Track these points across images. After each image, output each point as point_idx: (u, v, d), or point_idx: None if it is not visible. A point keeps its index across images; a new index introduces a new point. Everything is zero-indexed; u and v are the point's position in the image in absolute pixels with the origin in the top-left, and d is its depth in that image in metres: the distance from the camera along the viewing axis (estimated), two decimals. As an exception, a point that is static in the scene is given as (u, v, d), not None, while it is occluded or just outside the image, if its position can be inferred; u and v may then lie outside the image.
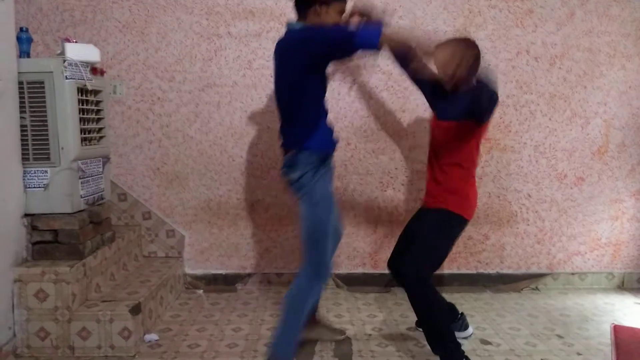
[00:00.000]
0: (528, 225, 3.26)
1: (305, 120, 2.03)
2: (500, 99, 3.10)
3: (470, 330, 2.51)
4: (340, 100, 3.13)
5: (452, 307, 2.51)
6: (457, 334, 2.39)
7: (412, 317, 2.76)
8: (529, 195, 3.24)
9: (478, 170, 3.16)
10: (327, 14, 1.99)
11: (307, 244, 2.07)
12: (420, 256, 2.14)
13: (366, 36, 1.84)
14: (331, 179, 2.16)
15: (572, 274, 3.30)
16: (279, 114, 2.14)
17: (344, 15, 2.06)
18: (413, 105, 3.15)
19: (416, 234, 2.23)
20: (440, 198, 2.21)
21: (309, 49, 1.91)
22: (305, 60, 1.93)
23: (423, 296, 2.12)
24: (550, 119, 3.19)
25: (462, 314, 2.52)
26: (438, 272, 3.20)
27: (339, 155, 3.16)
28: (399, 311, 2.88)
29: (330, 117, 3.06)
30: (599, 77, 3.17)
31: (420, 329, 2.55)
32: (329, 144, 2.11)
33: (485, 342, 2.48)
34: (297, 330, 2.08)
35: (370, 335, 2.56)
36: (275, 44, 2.12)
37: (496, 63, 3.12)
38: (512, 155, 3.20)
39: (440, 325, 2.12)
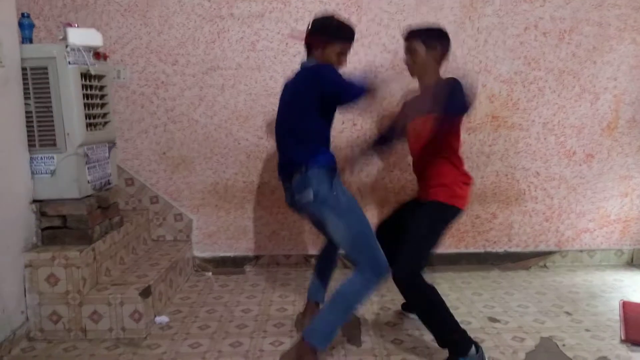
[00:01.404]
0: (536, 203, 3.24)
1: (313, 139, 2.05)
2: (508, 75, 3.09)
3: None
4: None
5: None
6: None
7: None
8: (538, 173, 3.22)
9: (485, 149, 3.17)
10: (325, 56, 2.09)
11: (357, 251, 2.01)
12: (414, 257, 2.08)
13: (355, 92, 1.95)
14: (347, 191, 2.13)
15: (581, 251, 3.29)
16: (281, 142, 2.17)
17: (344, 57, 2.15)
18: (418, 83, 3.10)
19: (409, 231, 2.14)
20: (432, 191, 2.17)
21: (322, 86, 1.99)
22: (318, 93, 2.00)
23: (421, 294, 2.05)
24: (559, 96, 3.14)
25: None
26: (445, 251, 3.24)
27: (345, 136, 3.15)
28: (407, 291, 2.89)
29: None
30: (609, 51, 3.11)
31: (407, 313, 2.55)
32: (330, 157, 2.10)
33: (493, 319, 2.48)
34: (338, 324, 2.03)
35: (378, 314, 2.58)
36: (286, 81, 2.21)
37: (504, 39, 3.07)
38: (520, 133, 3.17)
39: (443, 319, 2.05)
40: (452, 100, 1.95)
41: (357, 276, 1.98)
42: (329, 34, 2.08)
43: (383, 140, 2.49)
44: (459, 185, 2.16)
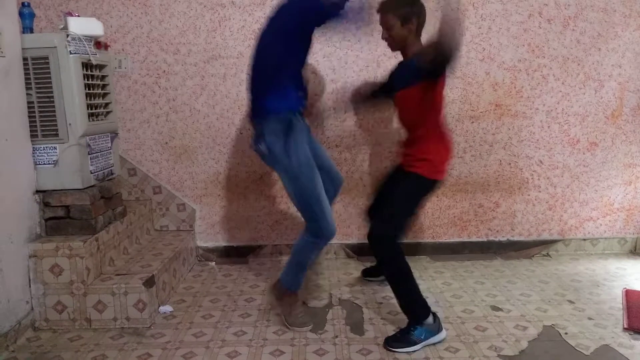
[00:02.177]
0: (539, 192, 3.23)
1: (271, 86, 1.98)
2: (511, 63, 3.06)
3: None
4: (348, 69, 3.08)
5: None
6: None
7: (422, 286, 2.78)
8: (541, 162, 3.20)
9: (488, 138, 3.15)
10: None
11: (301, 211, 2.18)
12: (390, 220, 2.17)
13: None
14: (306, 137, 2.12)
15: (584, 239, 3.28)
16: (250, 79, 2.14)
17: None
18: (422, 73, 3.09)
19: (388, 196, 2.31)
20: (412, 163, 2.21)
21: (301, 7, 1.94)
22: (296, 19, 1.94)
23: (391, 258, 2.15)
24: (563, 83, 3.12)
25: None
26: (448, 240, 3.24)
27: (348, 125, 3.14)
28: (410, 279, 2.89)
29: (338, 86, 3.07)
30: (614, 38, 3.08)
31: (368, 278, 2.86)
32: (294, 102, 2.05)
33: (496, 308, 2.49)
34: (302, 272, 2.30)
35: (381, 303, 2.58)
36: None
37: (507, 26, 3.04)
38: (523, 121, 3.15)
39: (407, 288, 2.16)
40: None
41: (302, 237, 2.23)
42: None
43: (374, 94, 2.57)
44: (441, 161, 2.21)
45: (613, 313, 2.41)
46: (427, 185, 2.22)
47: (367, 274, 2.88)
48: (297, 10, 1.98)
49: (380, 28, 2.23)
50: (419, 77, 2.05)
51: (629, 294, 2.58)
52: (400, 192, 2.21)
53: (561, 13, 3.05)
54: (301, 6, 1.98)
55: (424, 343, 2.11)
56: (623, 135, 3.18)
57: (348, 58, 3.07)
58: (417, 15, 2.13)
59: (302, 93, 2.14)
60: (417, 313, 2.16)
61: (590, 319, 2.36)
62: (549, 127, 3.16)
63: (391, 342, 2.13)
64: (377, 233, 2.16)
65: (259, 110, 2.04)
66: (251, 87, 2.14)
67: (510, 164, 3.19)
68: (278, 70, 1.99)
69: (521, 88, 3.12)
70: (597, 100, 3.14)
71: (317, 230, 2.17)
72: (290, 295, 2.34)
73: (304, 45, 2.10)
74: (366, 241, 3.22)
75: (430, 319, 2.14)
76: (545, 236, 3.28)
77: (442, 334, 2.17)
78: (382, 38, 2.22)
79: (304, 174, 2.05)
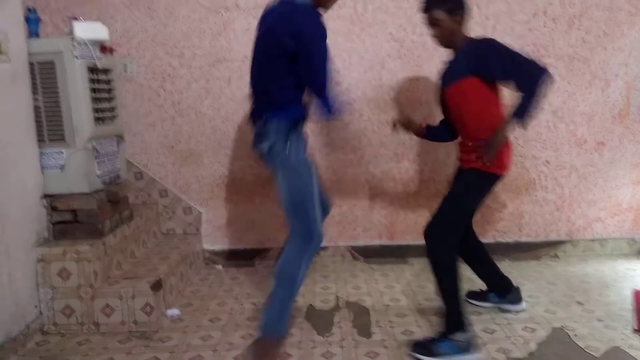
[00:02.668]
0: (547, 192, 3.21)
1: (279, 92, 1.96)
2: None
3: (523, 304, 2.45)
4: (353, 70, 3.08)
5: (507, 281, 2.47)
6: (510, 307, 2.43)
7: (430, 288, 2.76)
8: (548, 162, 3.18)
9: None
10: None
11: (291, 214, 2.01)
12: (443, 221, 2.11)
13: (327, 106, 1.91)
14: (304, 148, 2.08)
15: (592, 240, 3.26)
16: (252, 81, 2.08)
17: None
18: (427, 73, 3.08)
19: (446, 196, 2.19)
20: (469, 158, 2.14)
21: (294, 48, 1.85)
22: (292, 52, 1.87)
23: (438, 261, 2.10)
24: (569, 83, 3.10)
25: (516, 287, 2.48)
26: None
27: (353, 127, 3.13)
28: (417, 282, 2.88)
29: (343, 88, 3.07)
30: (620, 37, 3.06)
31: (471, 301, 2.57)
32: (298, 113, 2.02)
33: (504, 310, 2.47)
34: (288, 304, 2.04)
35: (388, 306, 2.57)
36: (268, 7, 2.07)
37: (512, 26, 3.03)
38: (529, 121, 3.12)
39: (449, 294, 2.09)
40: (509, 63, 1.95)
41: (289, 245, 2.03)
42: None
43: (442, 132, 2.43)
44: (501, 152, 2.09)
45: (623, 314, 2.39)
46: (483, 180, 2.12)
47: (473, 296, 2.60)
48: (292, 55, 1.89)
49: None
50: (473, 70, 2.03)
51: (638, 295, 2.55)
52: (456, 189, 2.16)
53: (566, 12, 3.03)
54: (295, 48, 1.87)
55: (445, 359, 2.01)
56: (630, 135, 3.16)
57: (352, 59, 3.07)
58: (461, 6, 2.10)
59: (304, 105, 2.09)
60: (449, 323, 2.08)
61: (599, 320, 2.34)
62: (555, 127, 3.14)
63: (414, 346, 2.08)
64: (427, 234, 2.11)
65: (263, 114, 2.01)
66: (254, 93, 2.10)
67: (516, 164, 3.17)
68: (282, 88, 1.97)
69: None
70: (603, 100, 3.12)
71: (307, 233, 2.01)
72: (275, 347, 2.05)
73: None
74: (372, 243, 3.27)
75: (462, 336, 2.04)
76: (553, 237, 3.26)
77: (471, 357, 2.03)
78: (432, 36, 2.17)
79: (300, 172, 2.00)
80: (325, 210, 2.25)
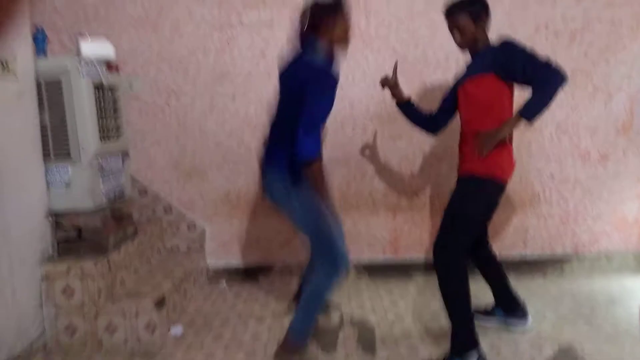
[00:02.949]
0: (551, 206, 3.20)
1: (287, 140, 2.01)
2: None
3: (529, 321, 2.43)
4: (355, 86, 3.09)
5: (514, 297, 2.45)
6: (516, 323, 2.41)
7: (435, 304, 2.75)
8: (552, 176, 3.17)
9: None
10: (335, 33, 2.05)
11: (314, 241, 2.11)
12: (447, 235, 2.10)
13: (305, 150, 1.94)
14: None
15: (599, 255, 3.23)
16: (270, 129, 2.17)
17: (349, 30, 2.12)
18: (429, 88, 3.09)
19: (448, 208, 2.16)
20: (468, 164, 2.13)
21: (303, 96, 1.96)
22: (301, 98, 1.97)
23: (445, 275, 2.07)
24: (571, 96, 3.10)
25: (523, 303, 2.45)
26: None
27: (356, 142, 3.14)
28: (421, 298, 2.86)
29: (346, 103, 3.08)
30: (622, 50, 3.06)
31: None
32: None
33: (510, 327, 2.44)
34: (313, 320, 2.17)
35: (393, 322, 2.55)
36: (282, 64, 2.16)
37: (514, 41, 3.04)
38: (532, 135, 3.13)
39: (457, 311, 2.06)
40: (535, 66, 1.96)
41: (319, 276, 2.10)
42: (335, 11, 2.05)
43: (427, 119, 2.45)
44: (501, 157, 2.09)
45: (631, 330, 2.36)
46: (485, 186, 2.09)
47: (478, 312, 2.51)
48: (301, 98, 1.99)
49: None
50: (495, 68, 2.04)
51: (646, 310, 2.52)
52: (454, 200, 2.14)
53: (568, 26, 3.04)
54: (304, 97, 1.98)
55: None
56: (635, 148, 3.15)
57: (355, 75, 3.09)
58: (486, 11, 2.12)
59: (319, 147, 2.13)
60: (459, 342, 2.04)
61: (607, 337, 2.31)
62: (559, 140, 3.14)
63: None
64: (437, 245, 2.10)
65: (272, 158, 2.10)
66: (269, 139, 2.17)
67: (520, 178, 3.16)
68: (291, 131, 2.01)
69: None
70: (607, 113, 3.12)
71: (332, 261, 2.08)
72: (300, 348, 2.18)
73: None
74: (376, 258, 3.25)
75: (472, 356, 2.01)
76: (559, 252, 3.24)
77: None
78: (456, 41, 2.18)
79: (308, 199, 2.05)
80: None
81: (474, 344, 2.03)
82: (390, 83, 2.45)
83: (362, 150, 3.10)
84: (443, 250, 2.08)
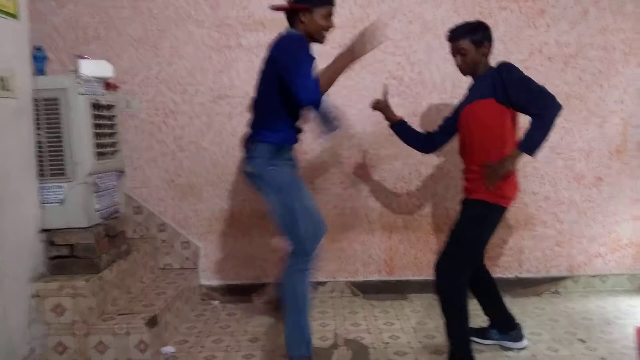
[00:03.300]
0: (546, 227, 3.20)
1: (268, 117, 2.07)
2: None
3: (525, 342, 2.42)
4: (352, 107, 3.12)
5: (510, 318, 2.44)
6: (511, 345, 2.41)
7: (430, 325, 2.73)
8: (547, 197, 3.19)
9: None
10: (313, 21, 2.04)
11: (284, 230, 2.10)
12: (451, 256, 2.12)
13: (309, 94, 1.91)
14: (292, 170, 2.18)
15: (593, 276, 3.23)
16: (251, 107, 2.21)
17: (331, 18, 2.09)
18: (425, 110, 3.13)
19: (453, 231, 2.18)
20: (474, 187, 2.15)
21: (277, 66, 1.99)
22: (276, 73, 2.01)
23: (445, 296, 2.11)
24: (566, 119, 3.13)
25: (518, 324, 2.45)
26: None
27: (352, 162, 3.15)
28: (417, 318, 2.84)
29: (342, 124, 3.10)
30: (615, 75, 3.11)
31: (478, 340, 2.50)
32: (286, 138, 2.13)
33: (505, 348, 2.43)
34: (303, 320, 2.10)
35: (387, 343, 2.53)
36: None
37: (508, 64, 3.09)
38: (527, 157, 3.13)
39: (455, 332, 2.10)
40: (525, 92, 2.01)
41: (286, 264, 2.09)
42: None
43: (422, 138, 2.48)
44: (506, 183, 2.10)
45: (626, 352, 2.34)
46: (489, 211, 2.11)
47: (474, 333, 2.48)
48: (278, 75, 2.01)
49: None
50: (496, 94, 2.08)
51: (642, 333, 2.51)
52: (462, 223, 2.15)
53: (562, 51, 3.10)
54: (282, 74, 1.99)
55: None
56: (628, 171, 3.17)
57: (352, 96, 3.12)
58: (488, 38, 2.17)
59: (296, 131, 2.18)
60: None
61: (602, 358, 2.30)
62: (553, 162, 3.16)
63: None
64: (440, 266, 2.12)
65: (252, 137, 2.12)
66: (250, 120, 2.20)
67: (516, 199, 3.17)
68: (273, 112, 2.07)
69: (524, 124, 3.12)
70: (600, 136, 3.15)
71: (298, 247, 2.07)
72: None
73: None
74: (371, 278, 3.23)
75: None
76: (554, 273, 3.23)
77: None
78: (457, 65, 2.22)
79: (286, 191, 2.07)
80: (320, 231, 2.22)
81: None
82: (380, 106, 2.51)
83: (356, 170, 3.11)
84: (446, 272, 2.10)
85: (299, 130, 2.19)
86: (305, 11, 2.03)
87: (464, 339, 2.11)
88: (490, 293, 2.44)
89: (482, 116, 2.12)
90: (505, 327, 2.43)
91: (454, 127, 2.32)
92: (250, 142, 2.12)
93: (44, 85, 2.36)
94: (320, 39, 2.10)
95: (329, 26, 2.08)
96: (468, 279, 2.15)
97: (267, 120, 2.07)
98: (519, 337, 2.42)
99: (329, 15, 2.07)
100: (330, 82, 1.96)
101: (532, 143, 2.01)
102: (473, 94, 2.19)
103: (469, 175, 2.22)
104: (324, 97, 2.00)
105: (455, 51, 2.20)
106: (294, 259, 2.09)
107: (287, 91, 1.99)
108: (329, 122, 2.34)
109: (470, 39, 2.14)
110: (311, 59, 2.02)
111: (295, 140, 2.18)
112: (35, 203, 2.34)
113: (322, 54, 2.24)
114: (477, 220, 2.13)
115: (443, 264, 2.12)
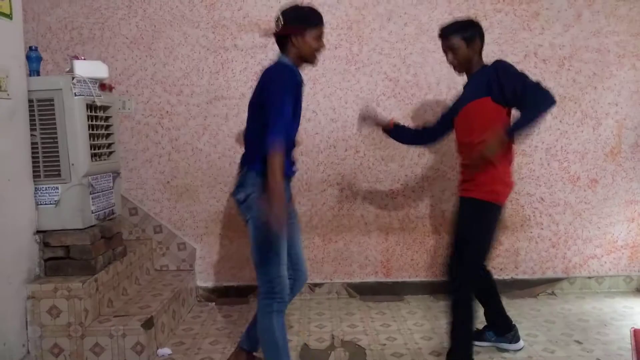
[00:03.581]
0: (542, 229, 3.22)
1: (261, 147, 1.91)
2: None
3: (521, 343, 2.45)
4: (348, 108, 3.13)
5: (506, 319, 2.46)
6: (508, 346, 2.43)
7: (427, 326, 2.73)
8: (542, 199, 3.20)
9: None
10: (305, 43, 1.98)
11: (258, 265, 1.97)
12: (457, 254, 2.14)
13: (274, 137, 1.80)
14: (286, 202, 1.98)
15: (589, 277, 3.24)
16: (244, 133, 2.12)
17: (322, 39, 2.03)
18: (421, 112, 3.14)
19: (455, 232, 2.21)
20: (469, 186, 2.16)
21: (264, 97, 1.91)
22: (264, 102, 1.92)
23: (453, 301, 2.14)
24: (560, 121, 3.15)
25: (514, 326, 2.46)
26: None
27: (348, 163, 3.16)
28: (413, 320, 2.84)
29: (339, 125, 3.11)
30: (609, 77, 3.14)
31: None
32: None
33: (502, 349, 2.43)
34: None
35: (384, 344, 2.53)
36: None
37: (504, 66, 3.10)
38: (523, 159, 3.16)
39: (458, 337, 2.12)
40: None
41: (259, 305, 1.97)
42: (305, 20, 1.98)
43: (420, 133, 2.48)
44: (501, 181, 2.11)
45: (622, 354, 2.35)
46: (483, 209, 2.11)
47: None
48: (263, 105, 1.93)
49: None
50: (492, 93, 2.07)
51: (637, 333, 2.50)
52: (462, 226, 2.17)
53: (556, 53, 3.12)
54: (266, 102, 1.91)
55: None
56: (623, 172, 3.19)
57: (348, 98, 3.13)
58: (480, 35, 2.17)
59: (291, 163, 2.07)
60: None
61: (598, 359, 2.30)
62: (548, 164, 3.18)
63: None
64: (450, 270, 2.15)
65: (244, 165, 2.04)
66: (244, 145, 2.13)
67: (511, 201, 3.18)
68: (261, 143, 1.92)
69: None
70: (595, 138, 3.17)
71: (270, 289, 1.94)
72: None
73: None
74: (368, 279, 3.23)
75: None
76: (550, 274, 3.24)
77: None
78: (449, 62, 2.22)
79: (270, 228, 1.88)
80: (298, 279, 2.15)
81: None
82: (368, 122, 2.53)
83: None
84: (456, 275, 2.12)
85: (293, 163, 2.10)
86: (297, 34, 1.97)
87: (467, 340, 2.12)
88: (490, 294, 2.45)
89: (479, 115, 2.12)
90: (502, 329, 2.44)
91: (451, 123, 2.32)
92: (242, 169, 2.04)
93: (39, 86, 2.34)
94: (312, 61, 2.05)
95: (320, 47, 2.03)
96: (476, 280, 2.17)
97: (259, 153, 1.93)
98: (515, 339, 2.43)
99: (320, 36, 2.02)
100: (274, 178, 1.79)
101: (515, 126, 1.99)
102: (469, 94, 2.19)
103: (464, 172, 2.23)
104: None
105: (447, 48, 2.20)
106: (263, 299, 1.97)
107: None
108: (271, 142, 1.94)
109: (460, 35, 2.14)
110: (297, 91, 1.97)
111: (291, 173, 2.07)
112: (30, 204, 2.32)
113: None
114: (474, 220, 2.13)
115: (453, 265, 2.15)
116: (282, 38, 2.01)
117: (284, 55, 2.02)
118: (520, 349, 2.42)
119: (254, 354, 2.24)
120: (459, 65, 2.20)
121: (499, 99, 2.07)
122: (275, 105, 1.86)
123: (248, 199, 1.96)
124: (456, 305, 2.13)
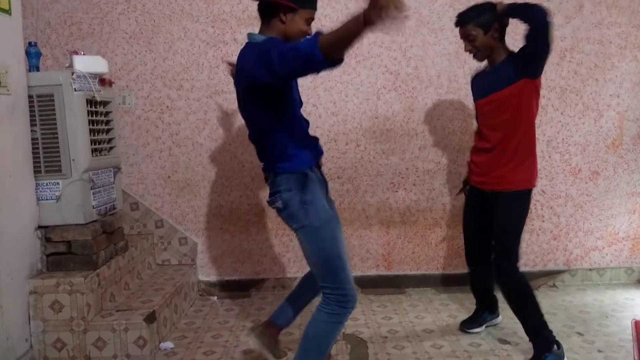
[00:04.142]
0: (543, 221, 3.21)
1: (274, 142, 1.78)
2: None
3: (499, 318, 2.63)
4: (349, 102, 3.12)
5: (494, 298, 2.58)
6: (496, 321, 2.61)
7: (428, 319, 2.74)
8: (543, 191, 3.20)
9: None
10: (294, 23, 1.76)
11: (321, 277, 1.80)
12: (505, 249, 2.18)
13: (306, 53, 1.49)
14: (324, 192, 1.88)
15: (590, 269, 3.24)
16: (249, 135, 1.91)
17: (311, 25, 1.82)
18: (422, 105, 3.13)
19: (494, 227, 2.21)
20: (498, 179, 2.17)
21: (268, 68, 1.60)
22: (265, 78, 1.63)
23: (515, 288, 2.19)
24: (562, 113, 3.14)
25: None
26: (453, 272, 3.20)
27: (349, 157, 3.15)
28: (415, 312, 2.85)
29: (339, 118, 3.11)
30: (611, 69, 3.12)
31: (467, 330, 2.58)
32: (305, 159, 1.82)
33: (503, 341, 2.44)
34: None
35: (386, 337, 2.54)
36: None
37: (505, 59, 3.09)
38: (524, 152, 3.15)
39: (534, 315, 2.18)
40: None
41: (321, 311, 1.80)
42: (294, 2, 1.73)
43: None
44: (534, 164, 2.18)
45: (623, 345, 2.36)
46: (523, 198, 2.18)
47: (468, 324, 2.58)
48: (246, 85, 1.73)
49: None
50: (522, 72, 2.06)
51: (638, 325, 2.51)
52: (506, 220, 2.18)
53: (557, 45, 3.09)
54: (250, 81, 1.70)
55: None
56: (625, 164, 3.18)
57: (348, 91, 3.12)
58: (497, 19, 2.10)
59: (311, 145, 1.88)
60: (549, 340, 2.16)
61: (600, 351, 2.31)
62: (550, 156, 3.17)
63: None
64: (500, 265, 2.19)
65: (271, 169, 1.84)
66: (256, 148, 1.91)
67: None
68: (275, 140, 1.79)
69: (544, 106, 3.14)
70: (596, 130, 3.16)
71: (341, 297, 1.77)
72: None
73: (284, 107, 1.80)
74: (369, 273, 3.23)
75: (556, 348, 2.16)
76: (551, 266, 3.24)
77: None
78: (466, 50, 2.18)
79: (326, 231, 1.78)
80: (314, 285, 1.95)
81: (554, 337, 2.18)
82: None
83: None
84: (509, 268, 2.17)
85: (314, 141, 1.91)
86: (289, 10, 1.74)
87: (540, 318, 2.18)
88: (489, 278, 2.49)
89: (509, 102, 2.11)
90: (493, 307, 2.58)
91: None
92: (269, 175, 1.85)
93: (39, 81, 2.34)
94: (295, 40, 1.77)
95: (307, 32, 1.79)
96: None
97: (274, 150, 1.79)
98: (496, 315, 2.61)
99: (310, 20, 1.80)
100: (336, 38, 1.45)
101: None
102: (497, 84, 2.13)
103: (502, 161, 2.17)
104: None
105: (464, 36, 2.15)
106: (331, 305, 1.78)
107: (273, 104, 1.74)
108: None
109: (476, 22, 2.09)
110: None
111: (317, 155, 1.89)
112: (31, 200, 2.33)
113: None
114: (518, 212, 2.18)
115: (504, 261, 2.18)
116: (271, 10, 1.76)
117: (264, 34, 1.78)
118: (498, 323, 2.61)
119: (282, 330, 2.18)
120: (479, 53, 2.16)
121: (529, 72, 2.05)
122: (278, 52, 1.57)
123: (288, 206, 1.78)
124: (520, 296, 2.18)
